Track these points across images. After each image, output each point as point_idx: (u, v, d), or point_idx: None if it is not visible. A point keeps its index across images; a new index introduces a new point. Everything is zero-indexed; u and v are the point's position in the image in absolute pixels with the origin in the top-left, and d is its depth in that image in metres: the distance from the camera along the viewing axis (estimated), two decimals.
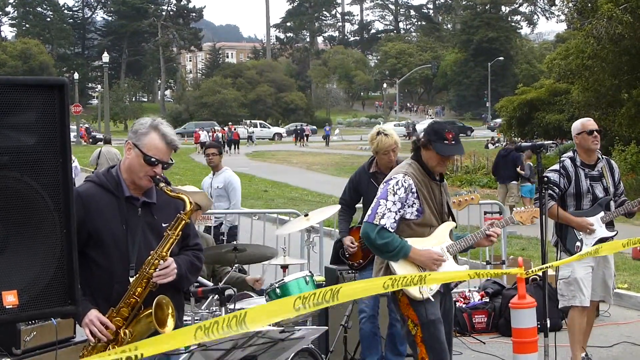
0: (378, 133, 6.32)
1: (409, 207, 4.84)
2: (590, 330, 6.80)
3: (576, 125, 6.58)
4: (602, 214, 6.44)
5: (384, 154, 6.32)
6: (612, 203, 6.54)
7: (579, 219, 6.40)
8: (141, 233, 3.95)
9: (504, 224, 5.42)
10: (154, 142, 3.94)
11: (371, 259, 6.59)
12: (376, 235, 4.78)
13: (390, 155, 6.30)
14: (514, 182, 18.27)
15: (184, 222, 3.94)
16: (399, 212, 4.82)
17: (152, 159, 3.91)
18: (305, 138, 60.91)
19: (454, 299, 5.80)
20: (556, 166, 6.46)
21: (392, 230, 4.80)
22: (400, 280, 4.28)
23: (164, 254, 3.86)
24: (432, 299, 4.81)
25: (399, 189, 4.82)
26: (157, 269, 3.83)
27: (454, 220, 5.10)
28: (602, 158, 6.60)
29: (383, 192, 4.89)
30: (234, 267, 6.34)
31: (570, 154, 6.60)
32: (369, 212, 4.92)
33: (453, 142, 4.84)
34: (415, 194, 4.84)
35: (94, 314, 3.79)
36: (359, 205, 6.86)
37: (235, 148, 52.90)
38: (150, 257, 3.85)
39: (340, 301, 3.85)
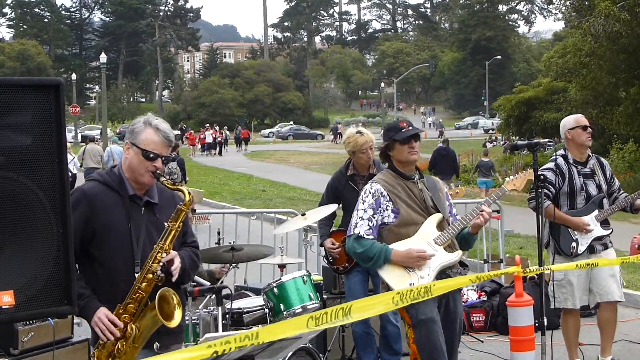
0: (353, 133, 6.51)
1: (384, 210, 4.95)
2: (613, 331, 6.54)
3: (568, 121, 6.48)
4: (596, 212, 6.33)
5: (362, 152, 6.47)
6: (605, 201, 6.43)
7: (575, 218, 6.27)
8: (145, 230, 3.98)
9: (497, 197, 5.31)
10: (149, 136, 4.00)
11: (357, 262, 6.60)
12: (354, 244, 4.93)
13: (367, 154, 6.47)
14: (451, 179, 19.43)
15: (184, 212, 3.97)
16: (373, 218, 4.94)
17: (150, 154, 3.96)
18: (338, 136, 61.30)
19: None
20: (549, 164, 6.35)
21: (368, 237, 4.92)
22: (408, 294, 4.27)
23: (167, 247, 3.89)
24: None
25: (367, 196, 4.99)
26: (160, 262, 3.85)
27: (440, 211, 5.01)
28: (592, 155, 6.50)
29: (357, 204, 5.07)
30: (231, 266, 6.35)
31: (561, 151, 6.49)
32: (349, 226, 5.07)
33: (410, 127, 5.07)
34: (387, 197, 4.95)
35: (102, 312, 3.82)
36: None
37: (243, 145, 53.22)
38: (153, 251, 3.87)
39: (353, 319, 3.88)
